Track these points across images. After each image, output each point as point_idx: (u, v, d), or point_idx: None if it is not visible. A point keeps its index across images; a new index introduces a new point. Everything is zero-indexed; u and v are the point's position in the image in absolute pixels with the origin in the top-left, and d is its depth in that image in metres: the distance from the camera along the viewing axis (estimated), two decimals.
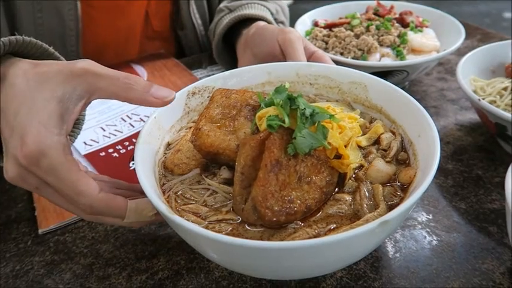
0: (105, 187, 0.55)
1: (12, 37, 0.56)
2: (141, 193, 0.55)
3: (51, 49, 0.61)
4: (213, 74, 0.73)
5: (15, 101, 0.51)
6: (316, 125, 0.53)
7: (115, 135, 0.88)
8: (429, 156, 0.54)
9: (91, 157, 0.82)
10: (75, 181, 0.51)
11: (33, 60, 0.55)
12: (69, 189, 0.51)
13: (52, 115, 0.51)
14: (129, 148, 0.84)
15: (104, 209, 0.54)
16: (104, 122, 0.92)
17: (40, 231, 0.68)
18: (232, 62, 1.08)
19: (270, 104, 0.56)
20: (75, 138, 0.66)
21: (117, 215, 0.55)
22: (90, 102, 0.56)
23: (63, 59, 0.63)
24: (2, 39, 0.54)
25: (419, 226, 0.67)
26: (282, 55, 0.86)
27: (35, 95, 0.51)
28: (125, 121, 0.93)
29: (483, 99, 0.77)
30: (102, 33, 1.18)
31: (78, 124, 0.65)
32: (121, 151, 0.84)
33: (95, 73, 0.53)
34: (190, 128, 0.68)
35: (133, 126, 0.91)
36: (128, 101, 0.55)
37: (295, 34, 0.84)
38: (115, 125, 0.92)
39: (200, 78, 0.73)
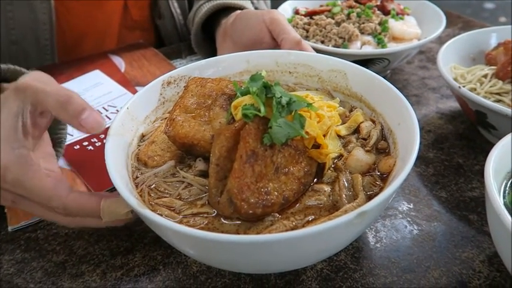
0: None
1: None
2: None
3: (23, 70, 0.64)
4: None
5: None
6: (293, 114, 0.51)
7: None
8: (409, 144, 0.52)
9: (64, 150, 0.78)
10: (42, 188, 0.53)
11: (7, 84, 0.58)
12: (39, 198, 0.53)
13: (10, 131, 0.53)
14: (104, 141, 0.81)
15: (77, 209, 0.54)
16: None
17: (10, 228, 0.65)
18: (211, 52, 1.05)
19: (246, 92, 0.54)
20: (59, 158, 0.68)
21: (92, 214, 0.55)
22: (51, 116, 0.57)
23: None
24: None
25: (400, 216, 0.66)
26: (269, 36, 0.84)
27: None
28: (101, 113, 0.89)
29: (463, 86, 0.77)
30: (79, 24, 1.14)
31: (60, 143, 0.69)
32: (96, 144, 0.81)
33: (35, 88, 0.54)
34: (166, 118, 0.66)
35: (110, 118, 0.88)
36: (60, 119, 0.55)
37: (281, 13, 0.85)
38: None
39: None
